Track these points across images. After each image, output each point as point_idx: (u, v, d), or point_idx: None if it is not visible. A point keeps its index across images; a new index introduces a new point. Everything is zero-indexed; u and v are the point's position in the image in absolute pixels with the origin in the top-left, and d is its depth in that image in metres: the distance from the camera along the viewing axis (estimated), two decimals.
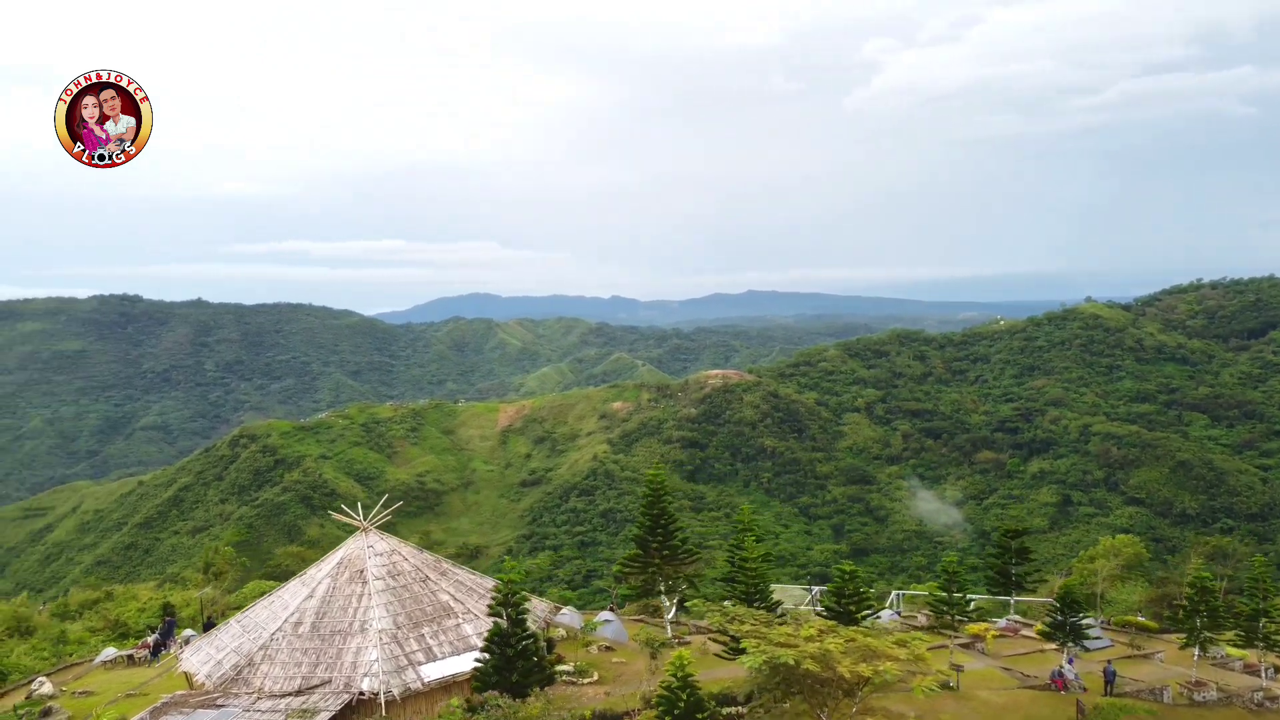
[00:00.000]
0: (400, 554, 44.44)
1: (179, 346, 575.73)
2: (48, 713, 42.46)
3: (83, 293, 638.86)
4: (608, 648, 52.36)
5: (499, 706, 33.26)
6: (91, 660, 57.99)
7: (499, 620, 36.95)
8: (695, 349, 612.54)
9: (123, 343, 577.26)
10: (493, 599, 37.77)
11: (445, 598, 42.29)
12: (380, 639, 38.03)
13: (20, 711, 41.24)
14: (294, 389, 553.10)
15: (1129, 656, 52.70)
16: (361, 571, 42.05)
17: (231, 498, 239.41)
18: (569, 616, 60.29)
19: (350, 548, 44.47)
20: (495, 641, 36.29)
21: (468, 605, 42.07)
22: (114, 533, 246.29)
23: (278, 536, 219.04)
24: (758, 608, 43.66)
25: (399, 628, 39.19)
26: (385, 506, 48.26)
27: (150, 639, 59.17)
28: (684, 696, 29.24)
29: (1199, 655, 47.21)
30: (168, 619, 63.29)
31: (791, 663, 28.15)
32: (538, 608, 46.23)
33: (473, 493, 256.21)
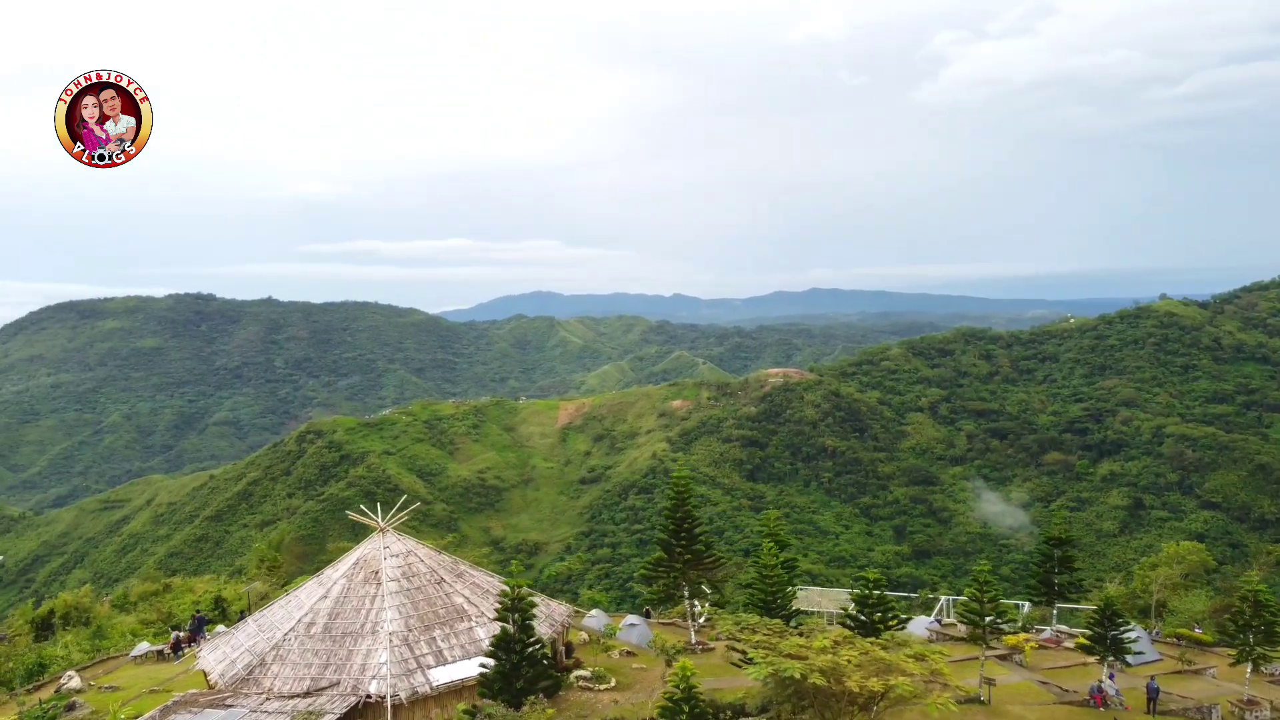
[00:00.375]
0: (416, 555, 43.73)
1: (250, 344, 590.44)
2: (72, 707, 43.02)
3: (160, 292, 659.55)
4: (629, 652, 51.37)
5: (490, 716, 32.67)
6: (126, 654, 58.54)
7: (505, 625, 36.40)
8: (757, 347, 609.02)
9: (197, 340, 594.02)
10: (499, 604, 37.24)
11: (459, 600, 41.80)
12: (390, 641, 37.73)
13: (46, 706, 41.76)
14: (360, 386, 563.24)
15: (1179, 672, 50.52)
16: (376, 573, 41.82)
17: (298, 492, 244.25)
18: (596, 619, 59.44)
19: (367, 549, 44.08)
20: (500, 647, 35.72)
21: (482, 608, 41.52)
22: (186, 525, 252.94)
23: (341, 531, 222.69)
24: (778, 616, 42.50)
25: (410, 630, 38.88)
26: (404, 507, 47.39)
27: (175, 635, 59.49)
28: (685, 709, 28.55)
29: (1252, 672, 44.95)
30: (197, 615, 63.43)
31: (797, 676, 27.27)
32: (556, 611, 45.61)
33: (533, 489, 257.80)
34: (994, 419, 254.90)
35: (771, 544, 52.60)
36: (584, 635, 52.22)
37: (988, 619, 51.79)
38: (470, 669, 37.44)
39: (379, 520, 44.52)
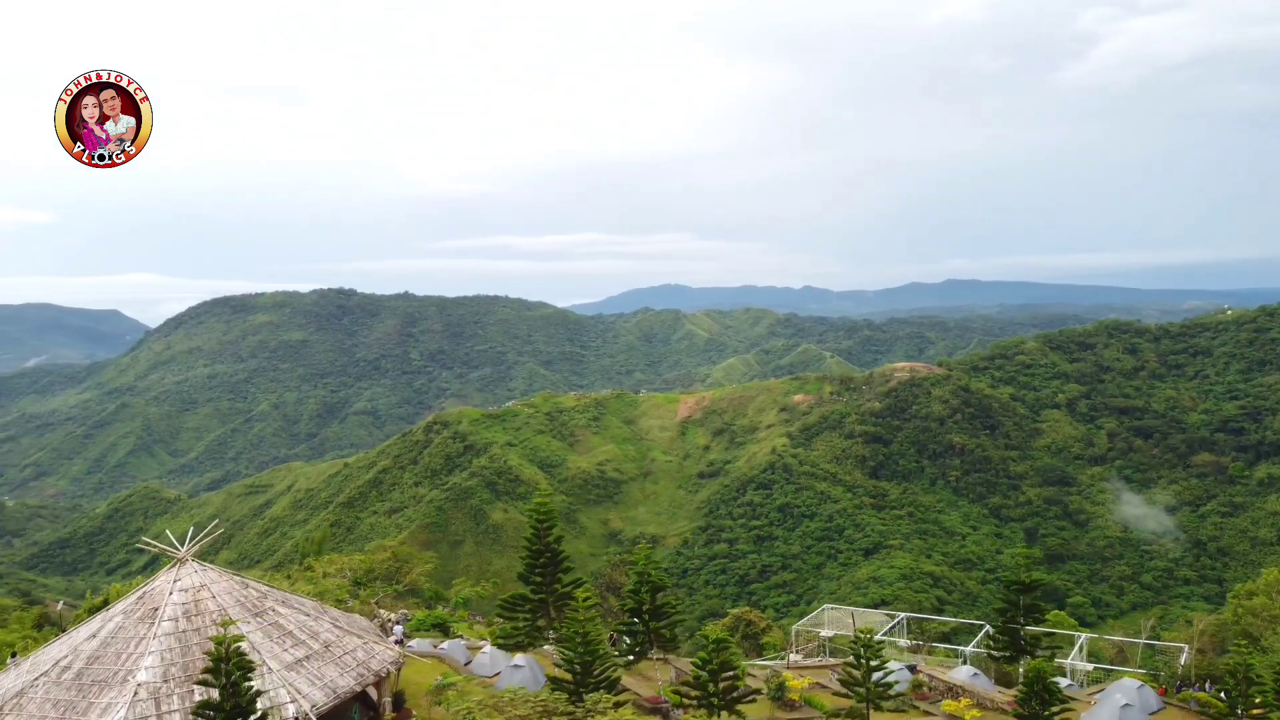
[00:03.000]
0: (210, 591, 36.97)
1: (388, 337, 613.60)
2: None
3: (305, 287, 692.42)
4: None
5: None
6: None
7: (218, 685, 28.63)
8: (887, 340, 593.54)
9: (339, 333, 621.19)
10: (207, 663, 29.67)
11: (243, 646, 33.97)
12: (135, 695, 31.96)
13: None
14: (491, 378, 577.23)
15: None
16: (156, 610, 35.80)
17: (424, 481, 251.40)
18: (453, 649, 51.27)
19: (158, 581, 37.93)
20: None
21: (264, 654, 34.98)
22: (321, 510, 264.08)
23: (465, 520, 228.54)
24: (594, 687, 36.36)
25: (167, 681, 32.77)
26: (200, 534, 40.04)
27: None
28: None
29: None
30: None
31: None
32: (374, 654, 38.39)
33: (651, 482, 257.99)
34: (1138, 417, 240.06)
35: (638, 586, 44.06)
36: (450, 681, 42.67)
37: (876, 675, 39.73)
38: None
39: (179, 548, 37.95)
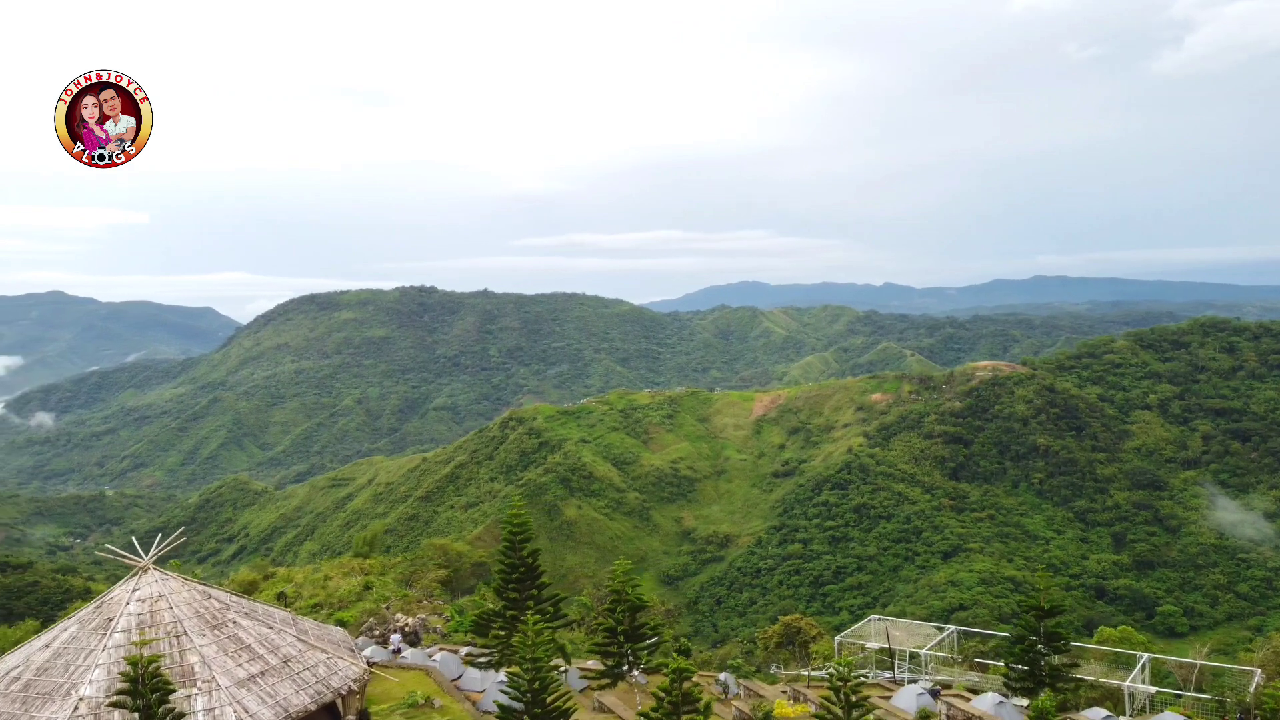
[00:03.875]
0: (169, 601, 35.63)
1: (467, 334, 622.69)
2: None
3: (388, 284, 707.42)
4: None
5: None
6: None
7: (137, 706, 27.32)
8: (970, 338, 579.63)
9: (419, 330, 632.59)
10: (122, 683, 28.21)
11: (193, 660, 33.93)
12: (76, 710, 30.75)
13: None
14: (568, 374, 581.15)
15: None
16: (110, 621, 34.74)
17: (500, 476, 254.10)
18: (445, 663, 47.67)
19: (117, 590, 36.95)
20: None
21: (214, 670, 33.66)
22: (400, 504, 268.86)
23: (538, 516, 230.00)
24: (547, 708, 34.05)
25: (110, 695, 31.11)
26: (168, 539, 38.93)
27: None
28: None
29: None
30: None
31: None
32: (337, 669, 36.75)
33: (725, 481, 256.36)
34: (1236, 419, 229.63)
35: (614, 606, 40.40)
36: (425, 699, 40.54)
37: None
38: None
39: (142, 556, 36.64)
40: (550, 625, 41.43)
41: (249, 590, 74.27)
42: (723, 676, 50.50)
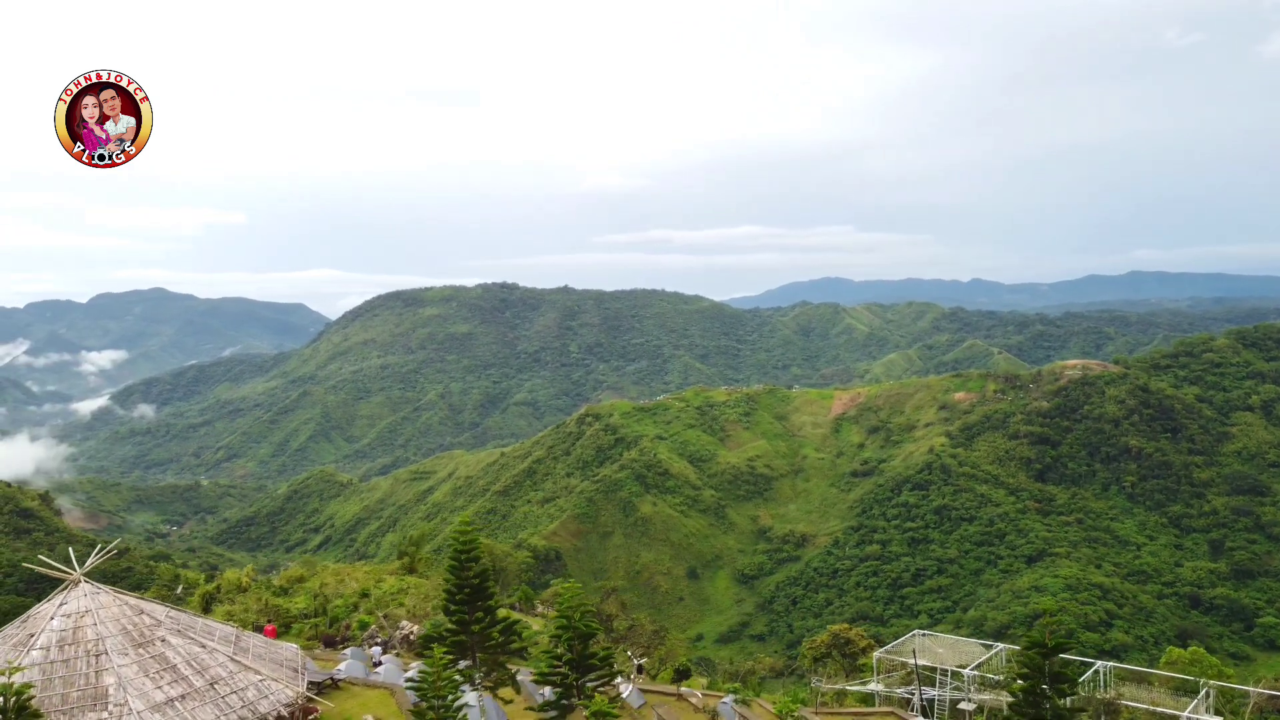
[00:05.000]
0: (95, 617, 34.18)
1: (547, 330, 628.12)
2: None
3: (470, 281, 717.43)
4: None
5: None
6: None
7: None
8: (1061, 336, 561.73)
9: (501, 326, 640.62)
10: None
11: (109, 681, 32.31)
12: None
13: None
14: (646, 371, 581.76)
15: None
16: (32, 637, 33.37)
17: (576, 472, 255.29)
18: (351, 665, 45.27)
19: (45, 604, 35.70)
20: None
21: (140, 691, 32.13)
22: (479, 498, 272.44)
23: (614, 512, 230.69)
24: None
25: None
26: (102, 552, 37.69)
27: None
28: None
29: None
30: None
31: None
32: (267, 697, 34.80)
33: (802, 480, 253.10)
34: None
35: (560, 633, 36.67)
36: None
37: None
38: None
39: (75, 569, 35.32)
40: (495, 651, 37.76)
41: (295, 583, 73.46)
42: (725, 701, 47.19)
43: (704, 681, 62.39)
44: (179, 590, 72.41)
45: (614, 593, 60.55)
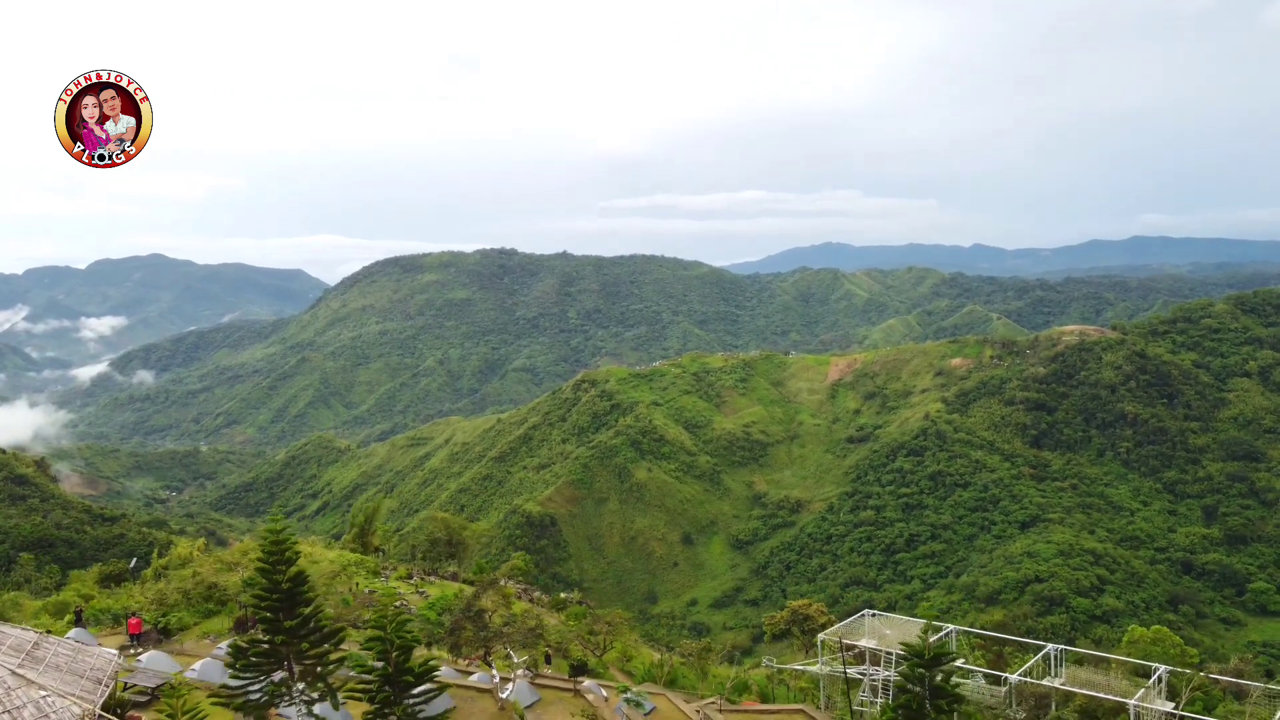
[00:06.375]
0: None
1: (546, 296, 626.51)
2: None
3: (469, 247, 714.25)
4: None
5: None
6: None
7: None
8: (1061, 301, 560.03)
9: (500, 292, 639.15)
10: None
11: None
12: None
13: None
14: (645, 337, 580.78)
15: None
16: None
17: (572, 438, 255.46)
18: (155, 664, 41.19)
19: None
20: None
21: None
22: (475, 464, 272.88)
23: (609, 478, 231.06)
24: None
25: None
26: None
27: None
28: None
29: None
30: (78, 609, 53.44)
31: None
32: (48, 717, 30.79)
33: (798, 446, 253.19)
34: None
35: (371, 645, 32.84)
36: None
37: None
38: None
39: None
40: (315, 662, 33.56)
41: (245, 556, 67.12)
42: (626, 698, 43.16)
43: (656, 656, 61.40)
44: (132, 564, 71.29)
45: (494, 584, 55.99)
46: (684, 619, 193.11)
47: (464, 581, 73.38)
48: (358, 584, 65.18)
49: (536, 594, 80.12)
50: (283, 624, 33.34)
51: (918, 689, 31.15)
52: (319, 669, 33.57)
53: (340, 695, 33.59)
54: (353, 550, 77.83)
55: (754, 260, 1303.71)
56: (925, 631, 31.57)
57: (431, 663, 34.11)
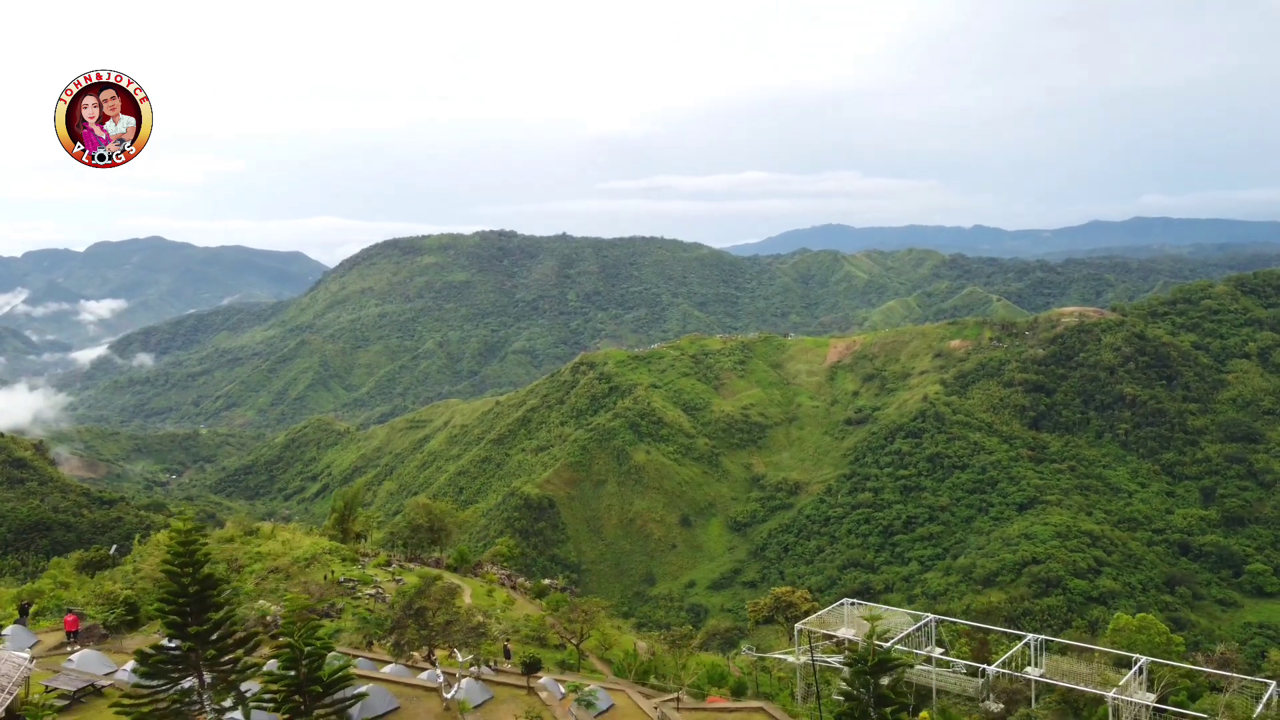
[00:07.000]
0: None
1: (546, 278, 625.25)
2: None
3: (468, 229, 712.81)
4: None
5: None
6: None
7: None
8: (1061, 283, 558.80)
9: (499, 274, 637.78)
10: None
11: None
12: None
13: None
14: (645, 319, 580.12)
15: None
16: None
17: (570, 421, 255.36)
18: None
19: None
20: None
21: None
22: (474, 446, 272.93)
23: (608, 460, 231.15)
24: None
25: None
26: None
27: None
28: None
29: None
30: (23, 603, 51.75)
31: None
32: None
33: (796, 428, 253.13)
34: None
35: (279, 654, 32.05)
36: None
37: None
38: None
39: None
40: (228, 669, 32.11)
41: (223, 544, 67.85)
42: (578, 698, 41.31)
43: (635, 645, 60.62)
44: (112, 551, 70.97)
45: (438, 580, 54.07)
46: (682, 601, 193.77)
47: (446, 568, 73.22)
48: (333, 571, 64.75)
49: (520, 580, 79.78)
50: (189, 629, 31.46)
51: (863, 695, 30.04)
52: (231, 677, 31.85)
53: (250, 703, 31.74)
54: (332, 537, 76.92)
55: (754, 242, 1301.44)
56: (870, 635, 30.39)
57: (343, 672, 32.46)
